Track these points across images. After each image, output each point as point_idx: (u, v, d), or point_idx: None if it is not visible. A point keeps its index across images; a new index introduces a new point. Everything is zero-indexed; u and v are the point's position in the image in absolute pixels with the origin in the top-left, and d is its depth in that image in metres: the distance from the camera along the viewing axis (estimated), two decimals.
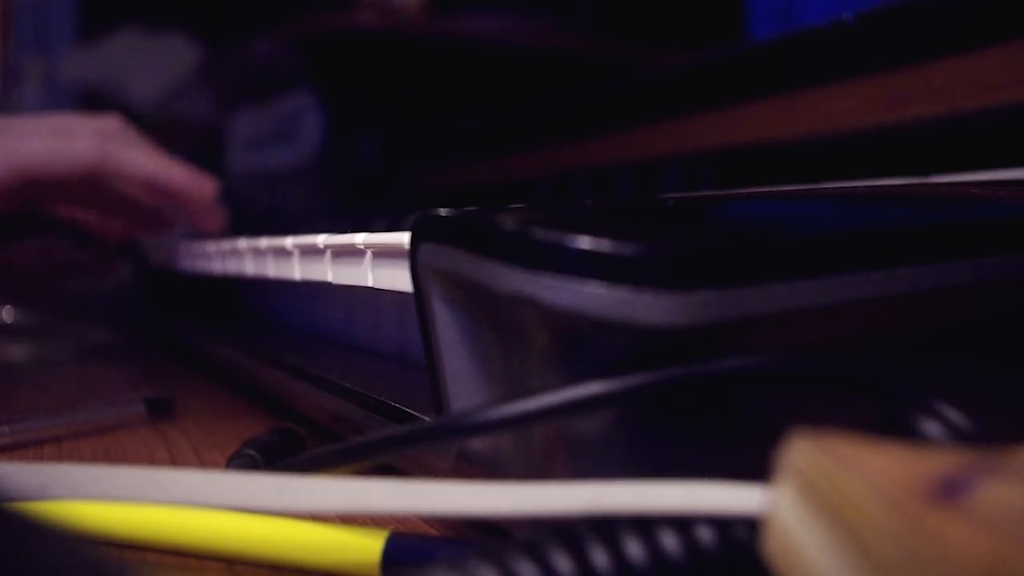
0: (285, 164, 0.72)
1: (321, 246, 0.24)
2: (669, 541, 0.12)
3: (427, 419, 0.19)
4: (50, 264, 0.49)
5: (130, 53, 0.93)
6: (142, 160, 0.41)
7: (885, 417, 0.14)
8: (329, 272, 0.23)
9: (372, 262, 0.21)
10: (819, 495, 0.11)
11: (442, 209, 0.17)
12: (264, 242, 0.28)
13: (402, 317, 0.27)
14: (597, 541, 0.12)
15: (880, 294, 0.15)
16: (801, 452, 0.11)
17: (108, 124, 0.41)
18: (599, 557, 0.12)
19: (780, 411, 0.14)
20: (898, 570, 0.09)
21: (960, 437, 0.13)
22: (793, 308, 0.14)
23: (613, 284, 0.14)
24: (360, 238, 0.21)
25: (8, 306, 0.54)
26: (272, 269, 0.28)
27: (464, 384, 0.18)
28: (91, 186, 0.42)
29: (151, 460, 0.26)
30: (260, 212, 0.74)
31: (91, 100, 0.93)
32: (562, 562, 0.12)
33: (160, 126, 0.81)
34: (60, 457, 0.27)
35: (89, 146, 0.39)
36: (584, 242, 0.14)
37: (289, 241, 0.26)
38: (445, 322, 0.18)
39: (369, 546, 0.16)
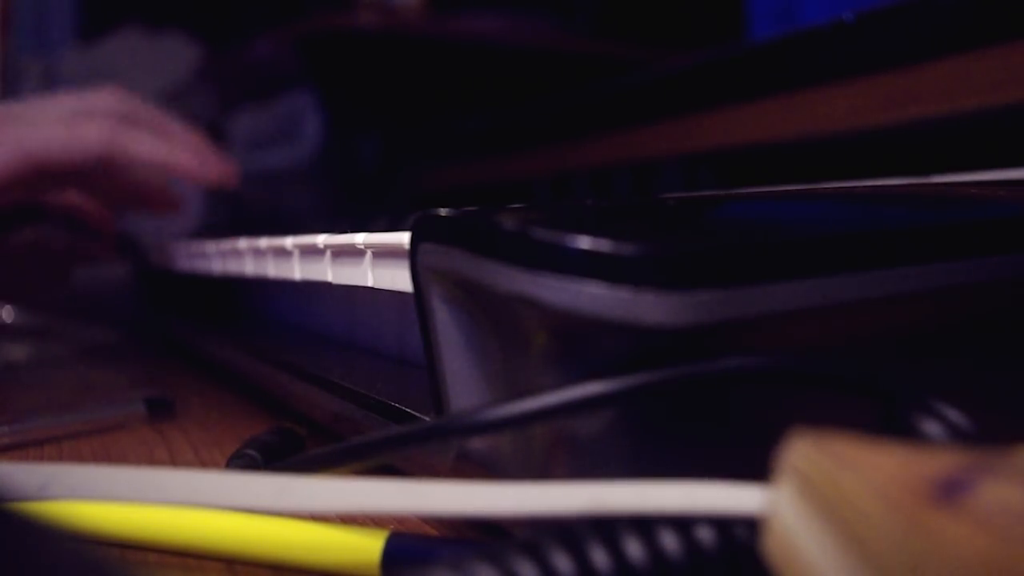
0: (285, 164, 0.72)
1: (321, 246, 0.24)
2: (669, 541, 0.12)
3: (427, 419, 0.19)
4: (49, 253, 0.49)
5: (130, 53, 0.93)
6: (152, 145, 0.40)
7: (885, 417, 0.14)
8: (329, 272, 0.23)
9: (372, 262, 0.21)
10: (819, 495, 0.11)
11: (442, 209, 0.17)
12: (264, 242, 0.28)
13: (402, 317, 0.27)
14: (597, 541, 0.12)
15: (880, 294, 0.15)
16: (801, 452, 0.11)
17: (114, 103, 0.41)
18: (599, 557, 0.12)
19: (780, 411, 0.14)
20: (898, 570, 0.09)
21: (960, 437, 0.13)
22: (793, 308, 0.14)
23: (613, 284, 0.14)
24: (360, 238, 0.21)
25: (8, 306, 0.53)
26: (272, 269, 0.28)
27: (464, 384, 0.18)
28: (98, 172, 0.41)
29: (151, 460, 0.26)
30: (260, 212, 0.74)
31: None
32: (562, 562, 0.12)
33: None
34: (60, 457, 0.27)
35: (100, 132, 0.39)
36: (584, 242, 0.14)
37: (289, 241, 0.26)
38: (445, 322, 0.18)
39: (369, 546, 0.16)
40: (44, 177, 0.39)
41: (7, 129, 0.38)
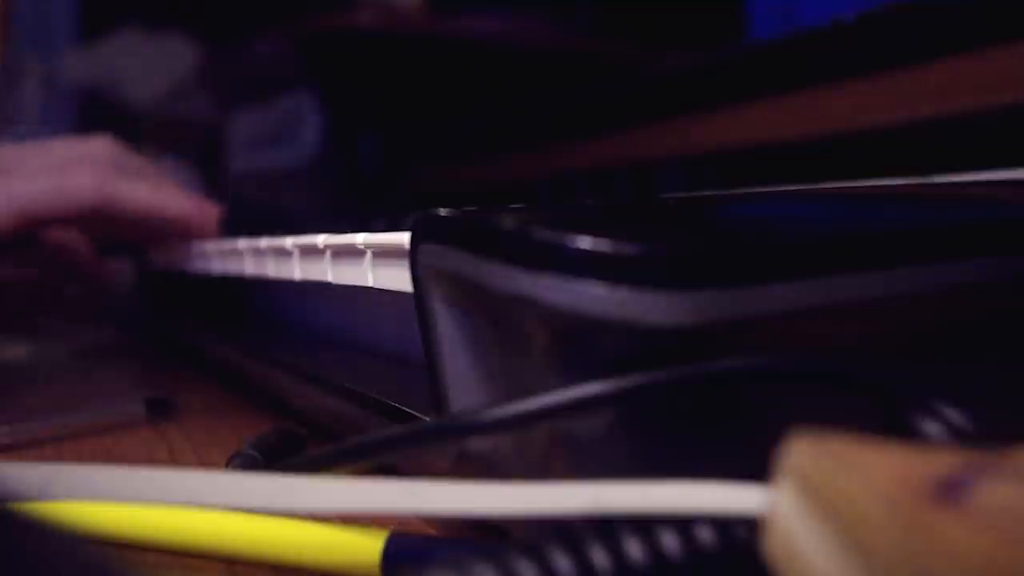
0: (285, 164, 0.72)
1: (321, 246, 0.24)
2: (669, 541, 0.12)
3: (427, 419, 0.19)
4: (35, 284, 0.49)
5: (130, 53, 0.93)
6: (142, 195, 0.40)
7: (885, 417, 0.14)
8: (329, 272, 0.23)
9: (372, 262, 0.21)
10: (819, 495, 0.11)
11: (442, 209, 0.17)
12: (264, 242, 0.28)
13: (402, 317, 0.27)
14: (597, 541, 0.12)
15: (880, 294, 0.15)
16: (801, 452, 0.11)
17: (103, 151, 0.41)
18: (599, 557, 0.12)
19: (780, 411, 0.14)
20: (898, 570, 0.09)
21: (960, 437, 0.13)
22: (793, 308, 0.14)
23: (614, 284, 0.14)
24: (360, 238, 0.21)
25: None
26: (272, 269, 0.28)
27: (464, 384, 0.18)
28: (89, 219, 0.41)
29: (151, 460, 0.26)
30: (260, 212, 0.74)
31: (91, 100, 0.93)
32: (562, 562, 0.12)
33: (160, 126, 0.81)
34: (60, 457, 0.27)
35: (88, 182, 0.39)
36: (584, 242, 0.14)
37: (289, 241, 0.26)
38: (445, 322, 0.18)
39: (369, 546, 0.16)
40: (33, 227, 0.39)
41: None
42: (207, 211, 0.42)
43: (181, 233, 0.42)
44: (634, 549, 0.12)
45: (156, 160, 0.70)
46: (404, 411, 0.21)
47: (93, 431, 0.29)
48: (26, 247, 0.46)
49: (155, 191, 0.41)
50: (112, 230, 0.44)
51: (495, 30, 0.68)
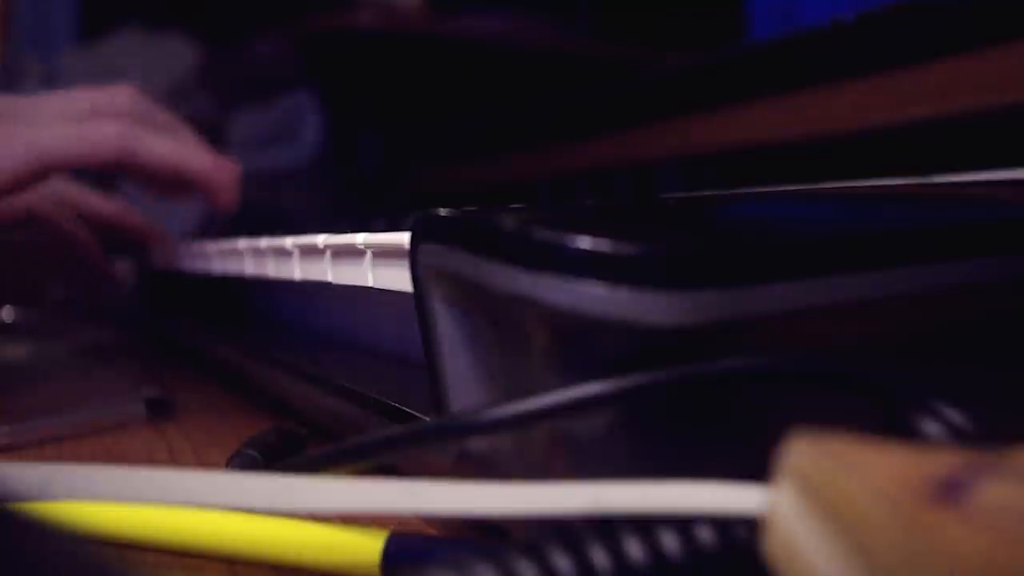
0: (285, 164, 0.72)
1: (321, 246, 0.24)
2: (669, 541, 0.12)
3: (427, 419, 0.19)
4: (49, 276, 0.49)
5: (130, 53, 0.93)
6: (165, 148, 0.39)
7: (885, 417, 0.14)
8: (329, 272, 0.23)
9: (372, 262, 0.21)
10: (819, 495, 0.11)
11: (442, 209, 0.17)
12: (264, 242, 0.28)
13: (402, 317, 0.27)
14: (597, 541, 0.12)
15: (880, 294, 0.15)
16: (801, 452, 0.11)
17: (125, 101, 0.39)
18: (599, 557, 0.12)
19: (780, 411, 0.14)
20: (898, 570, 0.09)
21: (960, 437, 0.13)
22: (793, 308, 0.14)
23: (614, 284, 0.14)
24: (360, 238, 0.21)
25: (8, 306, 0.53)
26: (272, 269, 0.28)
27: (464, 384, 0.18)
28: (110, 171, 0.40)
29: (151, 460, 0.26)
30: (260, 212, 0.74)
31: None
32: (562, 562, 0.12)
33: None
34: (60, 457, 0.27)
35: (111, 133, 0.37)
36: (584, 242, 0.14)
37: (289, 241, 0.26)
38: (445, 322, 0.18)
39: (369, 546, 0.17)
40: (51, 176, 0.38)
41: (18, 128, 0.37)
42: (228, 170, 0.41)
43: (201, 190, 0.41)
44: (634, 549, 0.12)
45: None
46: (404, 411, 0.21)
47: (93, 431, 0.29)
48: (35, 238, 0.46)
49: (179, 146, 0.40)
50: (139, 179, 0.42)
51: (495, 30, 0.68)
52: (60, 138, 0.37)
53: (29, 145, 0.36)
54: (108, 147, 0.37)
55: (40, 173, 0.37)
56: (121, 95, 0.40)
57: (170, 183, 0.42)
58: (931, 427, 0.13)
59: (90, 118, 0.38)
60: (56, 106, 0.39)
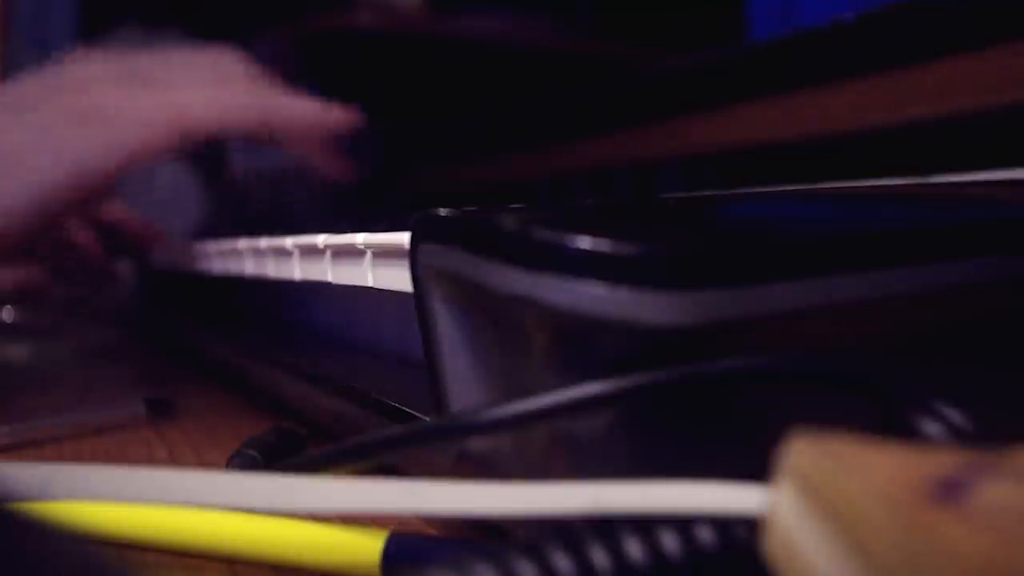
0: (285, 164, 0.72)
1: (321, 246, 0.24)
2: (669, 541, 0.12)
3: (427, 419, 0.19)
4: (50, 276, 0.49)
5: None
6: (301, 109, 0.37)
7: (885, 417, 0.14)
8: (329, 272, 0.23)
9: (372, 262, 0.21)
10: (819, 495, 0.11)
11: (442, 209, 0.17)
12: (264, 242, 0.28)
13: (402, 317, 0.27)
14: (597, 541, 0.12)
15: (880, 294, 0.15)
16: (801, 452, 0.11)
17: (242, 66, 0.37)
18: (599, 557, 0.12)
19: (780, 411, 0.14)
20: (898, 570, 0.09)
21: (960, 437, 0.13)
22: (793, 308, 0.14)
23: (614, 284, 0.14)
24: (360, 238, 0.21)
25: (8, 306, 0.53)
26: (272, 269, 0.28)
27: (464, 384, 0.18)
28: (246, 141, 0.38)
29: (151, 460, 0.26)
30: (260, 212, 0.74)
31: None
32: (562, 562, 0.12)
33: None
34: (60, 457, 0.27)
35: (245, 96, 0.36)
36: (585, 242, 0.14)
37: (289, 241, 0.26)
38: (445, 322, 0.18)
39: (369, 546, 0.17)
40: (183, 147, 0.35)
41: (151, 93, 0.35)
42: (346, 114, 0.39)
43: (325, 143, 0.39)
44: (634, 549, 0.12)
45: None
46: (404, 411, 0.21)
47: (93, 431, 0.29)
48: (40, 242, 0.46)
49: (309, 104, 0.38)
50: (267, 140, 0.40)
51: (495, 30, 0.68)
52: (198, 104, 0.35)
53: (171, 110, 0.34)
54: (243, 111, 0.36)
55: (182, 139, 0.35)
56: (236, 59, 0.38)
57: (301, 143, 0.40)
58: (931, 427, 0.13)
59: (222, 83, 0.36)
60: (181, 70, 0.37)
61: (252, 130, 0.36)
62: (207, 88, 0.36)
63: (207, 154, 0.80)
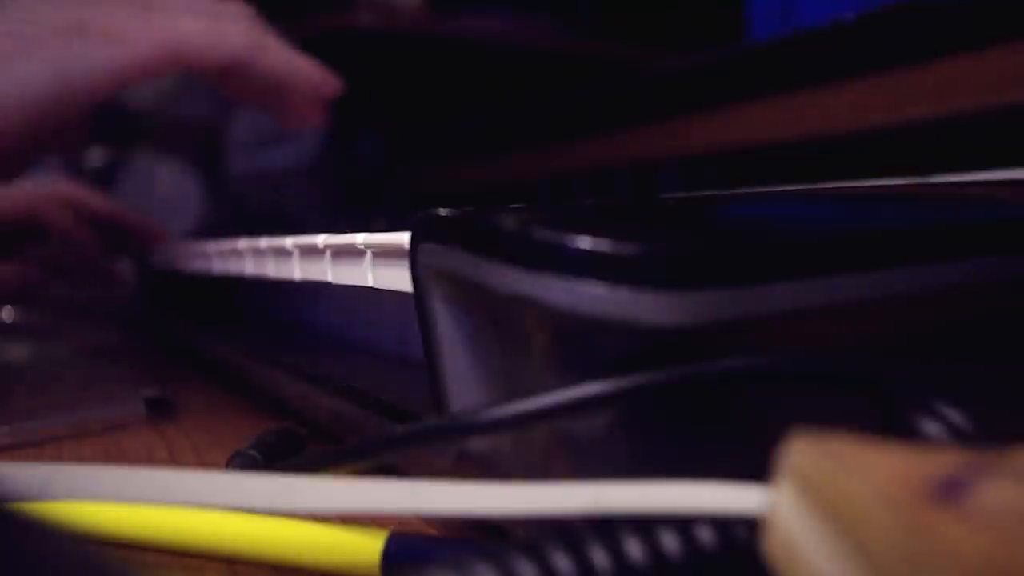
0: (285, 164, 0.72)
1: (321, 246, 0.24)
2: (669, 541, 0.12)
3: (427, 419, 0.19)
4: (50, 275, 0.49)
5: None
6: (287, 55, 0.38)
7: (885, 417, 0.14)
8: (329, 272, 0.23)
9: (372, 262, 0.21)
10: (819, 495, 0.11)
11: (442, 209, 0.17)
12: (264, 242, 0.28)
13: (402, 317, 0.27)
14: (597, 541, 0.12)
15: (880, 294, 0.15)
16: (801, 452, 0.11)
17: (244, 10, 0.39)
18: (599, 557, 0.12)
19: (780, 411, 0.14)
20: (898, 570, 0.09)
21: (960, 437, 0.13)
22: (793, 308, 0.14)
23: (614, 284, 0.14)
24: (360, 238, 0.21)
25: (8, 306, 0.53)
26: (272, 269, 0.28)
27: (464, 384, 0.18)
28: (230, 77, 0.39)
29: (151, 460, 0.26)
30: (260, 212, 0.74)
31: None
32: (562, 562, 0.12)
33: (160, 126, 0.81)
34: (60, 457, 0.27)
35: (241, 32, 0.36)
36: (585, 242, 0.14)
37: (289, 241, 0.26)
38: (445, 322, 0.18)
39: (369, 546, 0.17)
40: (177, 71, 0.36)
41: (147, 15, 0.35)
42: (333, 86, 0.40)
43: (301, 104, 0.40)
44: (634, 549, 0.12)
45: (156, 161, 0.70)
46: (404, 411, 0.21)
47: (93, 431, 0.29)
48: (35, 242, 0.46)
49: (295, 56, 0.39)
50: (242, 91, 0.41)
51: (495, 30, 0.68)
52: (194, 31, 0.35)
53: (166, 33, 0.35)
54: (237, 45, 0.36)
55: (173, 62, 0.35)
56: (239, 4, 0.39)
57: (276, 95, 0.40)
58: (931, 427, 0.13)
59: (221, 17, 0.37)
60: (190, 1, 0.38)
61: (242, 67, 0.37)
62: (202, 19, 0.36)
63: (207, 154, 0.80)
